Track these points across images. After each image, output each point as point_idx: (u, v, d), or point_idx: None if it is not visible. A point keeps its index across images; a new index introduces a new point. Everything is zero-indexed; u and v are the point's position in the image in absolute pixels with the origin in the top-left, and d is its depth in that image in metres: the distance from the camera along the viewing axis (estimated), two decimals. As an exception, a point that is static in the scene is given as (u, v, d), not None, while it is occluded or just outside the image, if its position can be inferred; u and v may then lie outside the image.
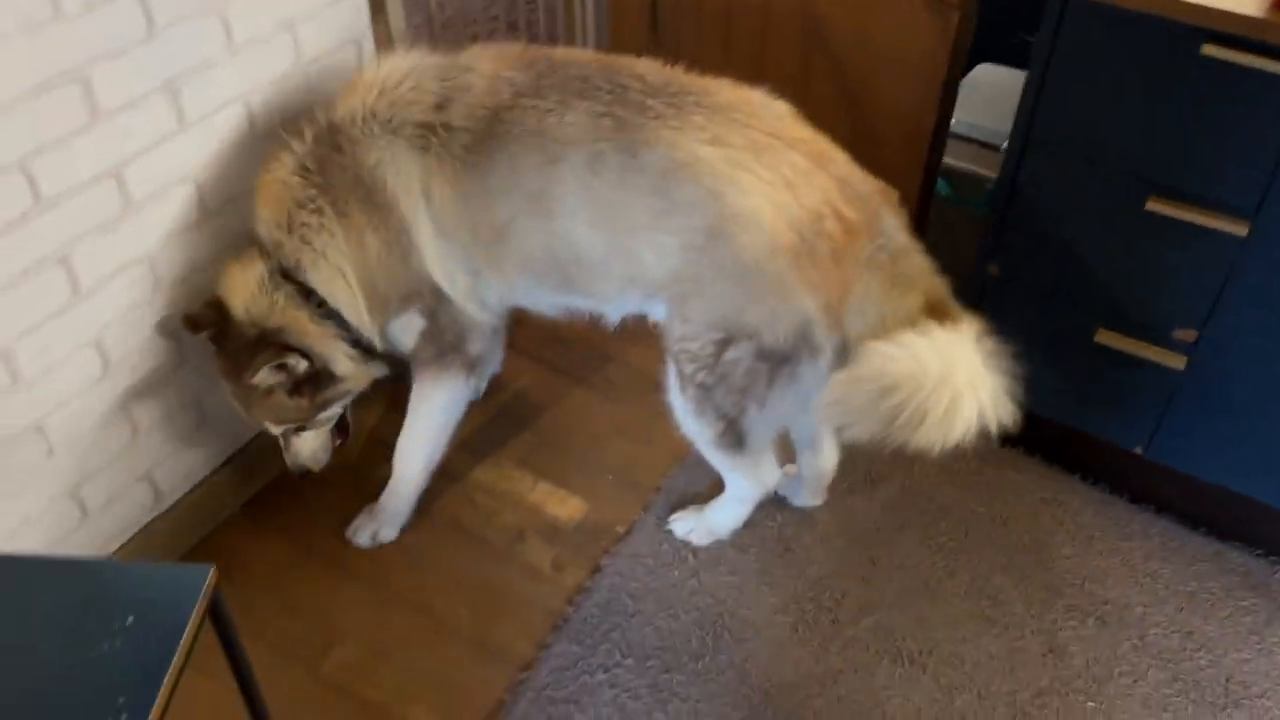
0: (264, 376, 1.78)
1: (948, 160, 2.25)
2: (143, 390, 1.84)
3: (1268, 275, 1.71)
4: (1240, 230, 1.69)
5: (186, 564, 1.39)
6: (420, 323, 1.88)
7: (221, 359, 1.83)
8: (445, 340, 1.90)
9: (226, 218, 1.87)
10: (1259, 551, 2.05)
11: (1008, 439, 2.24)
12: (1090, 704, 1.84)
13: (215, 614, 1.38)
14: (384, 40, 2.02)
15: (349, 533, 2.09)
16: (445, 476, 2.16)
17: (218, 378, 1.86)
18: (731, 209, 1.60)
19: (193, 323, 1.80)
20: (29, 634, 1.28)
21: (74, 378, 1.72)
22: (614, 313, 1.92)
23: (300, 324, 1.80)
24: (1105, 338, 1.90)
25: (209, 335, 1.82)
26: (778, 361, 1.68)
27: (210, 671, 1.34)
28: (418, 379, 1.98)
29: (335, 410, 1.95)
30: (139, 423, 1.86)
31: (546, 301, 1.94)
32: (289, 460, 1.97)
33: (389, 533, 2.09)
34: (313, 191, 1.74)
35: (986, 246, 1.94)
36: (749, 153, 1.61)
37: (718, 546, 2.08)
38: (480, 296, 1.87)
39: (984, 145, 2.31)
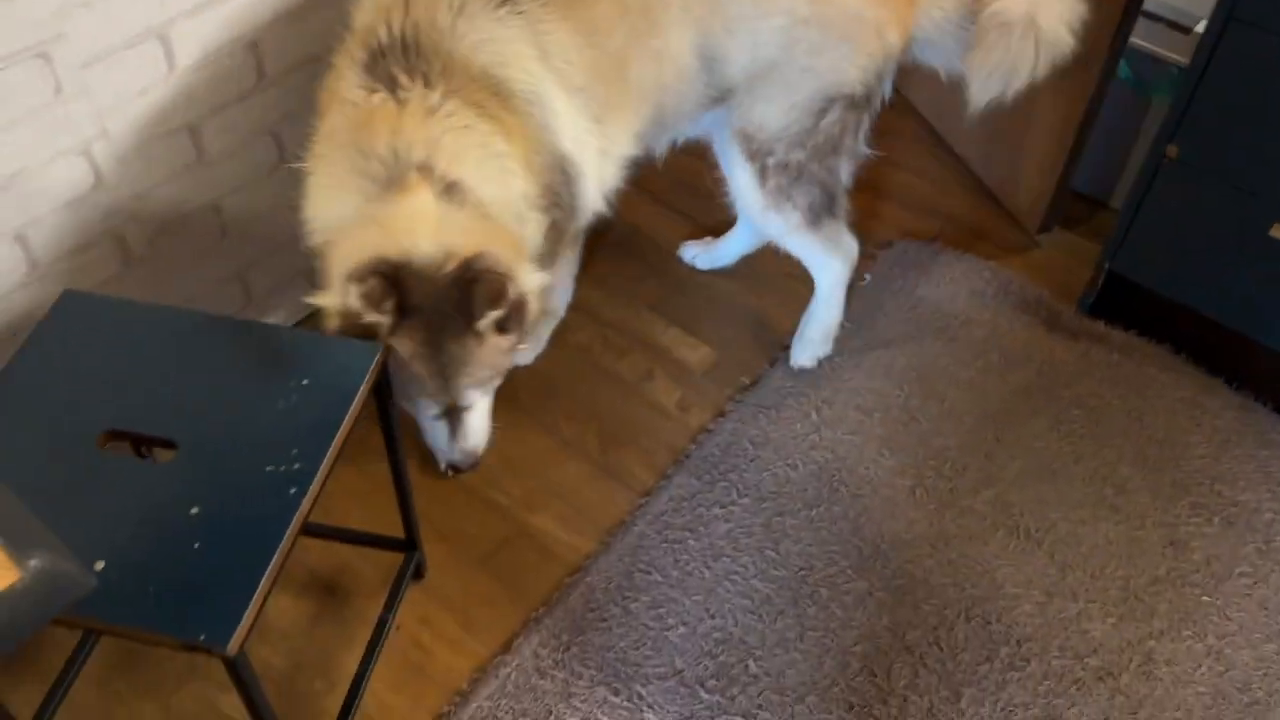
0: (490, 316, 1.49)
1: (1132, 40, 2.14)
2: (310, 187, 1.91)
3: None
4: None
5: (358, 340, 1.45)
6: (545, 221, 1.70)
7: (413, 330, 1.48)
8: (563, 235, 1.81)
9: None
10: (1406, 476, 1.99)
11: (1153, 333, 2.19)
12: (1205, 598, 1.82)
13: (378, 389, 1.46)
14: None
15: (486, 353, 2.16)
16: (580, 311, 2.21)
17: (402, 366, 1.51)
18: None
19: (375, 301, 1.42)
20: (219, 382, 1.37)
21: (251, 163, 1.80)
22: (666, 145, 1.95)
23: (499, 238, 1.53)
24: (1281, 233, 1.82)
25: (393, 307, 1.45)
26: (863, 105, 1.83)
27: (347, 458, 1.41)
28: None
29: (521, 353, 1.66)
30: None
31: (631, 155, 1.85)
32: (460, 453, 1.70)
33: (525, 358, 2.16)
34: (422, 90, 1.51)
35: (1168, 126, 1.86)
36: None
37: (841, 406, 2.09)
38: (604, 161, 1.75)
39: (1173, 25, 2.18)
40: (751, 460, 2.01)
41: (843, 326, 2.20)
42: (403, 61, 1.52)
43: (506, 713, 1.67)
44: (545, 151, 1.65)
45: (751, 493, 1.96)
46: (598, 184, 1.78)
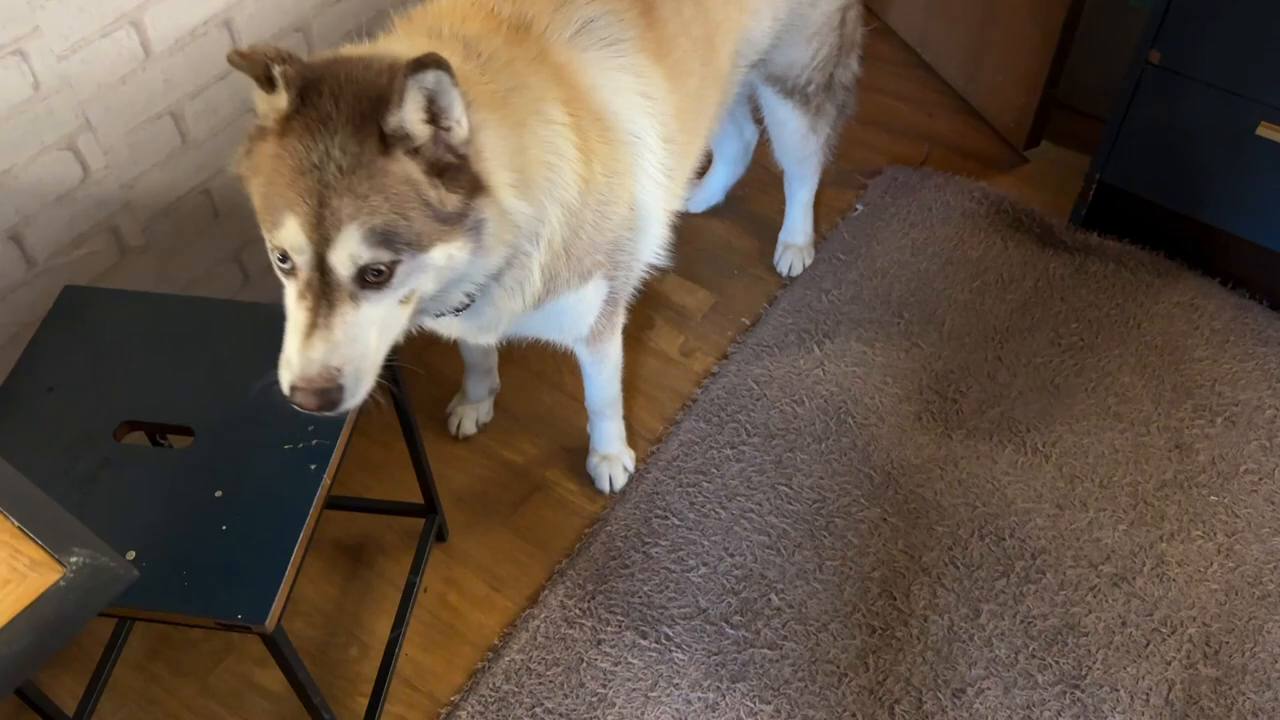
0: (411, 111, 1.11)
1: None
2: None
3: None
4: None
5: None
6: (605, 289, 1.54)
7: (306, 123, 1.12)
8: (618, 305, 1.64)
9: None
10: (1404, 362, 2.01)
11: (1147, 240, 2.19)
12: (1213, 498, 1.86)
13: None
14: None
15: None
16: (576, 263, 2.22)
17: (279, 179, 1.14)
18: None
19: (257, 67, 1.13)
20: (228, 365, 1.38)
21: (236, 142, 1.78)
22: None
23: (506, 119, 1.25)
24: (1267, 130, 1.82)
25: (290, 80, 1.12)
26: None
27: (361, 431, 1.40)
28: (592, 353, 1.72)
29: (465, 267, 1.22)
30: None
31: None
32: (308, 362, 1.16)
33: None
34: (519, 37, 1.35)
35: (1150, 31, 1.85)
36: None
37: (843, 339, 2.11)
38: (666, 216, 1.60)
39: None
40: (758, 400, 2.03)
41: (838, 258, 2.22)
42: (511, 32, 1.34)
43: (539, 663, 1.70)
44: (623, 196, 1.44)
45: (760, 431, 1.98)
46: (657, 240, 1.61)
